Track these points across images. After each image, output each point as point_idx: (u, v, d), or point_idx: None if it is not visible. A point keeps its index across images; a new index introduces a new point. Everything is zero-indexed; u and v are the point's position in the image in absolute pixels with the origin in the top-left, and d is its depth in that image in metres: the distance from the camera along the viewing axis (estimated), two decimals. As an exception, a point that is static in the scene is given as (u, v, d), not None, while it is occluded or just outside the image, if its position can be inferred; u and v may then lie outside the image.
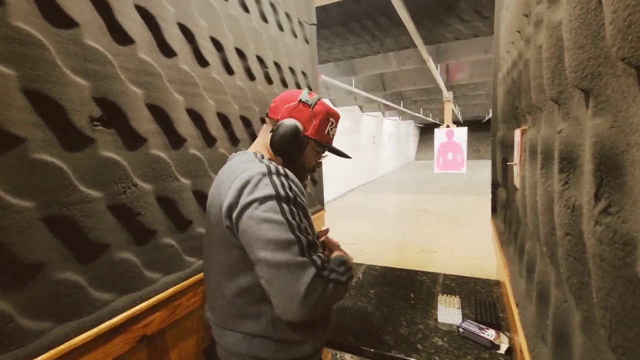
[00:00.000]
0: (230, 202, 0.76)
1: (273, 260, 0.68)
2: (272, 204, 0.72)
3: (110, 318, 0.85)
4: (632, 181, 0.35)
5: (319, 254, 0.74)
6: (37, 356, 0.70)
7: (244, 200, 0.74)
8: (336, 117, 0.98)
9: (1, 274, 0.67)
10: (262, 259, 0.70)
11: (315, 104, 0.93)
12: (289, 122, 0.89)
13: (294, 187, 0.77)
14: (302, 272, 0.68)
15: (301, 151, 0.92)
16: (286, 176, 0.78)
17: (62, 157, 0.77)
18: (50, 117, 0.75)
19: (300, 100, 0.93)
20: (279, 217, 0.71)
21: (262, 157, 0.90)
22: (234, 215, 0.75)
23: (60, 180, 0.76)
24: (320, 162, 1.01)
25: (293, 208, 0.74)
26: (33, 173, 0.71)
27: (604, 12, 0.40)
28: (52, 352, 0.72)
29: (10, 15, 0.67)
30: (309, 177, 1.00)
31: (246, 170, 0.79)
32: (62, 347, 0.74)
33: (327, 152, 1.00)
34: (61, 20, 0.77)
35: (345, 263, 0.84)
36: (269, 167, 0.78)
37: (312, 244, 0.73)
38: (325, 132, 0.95)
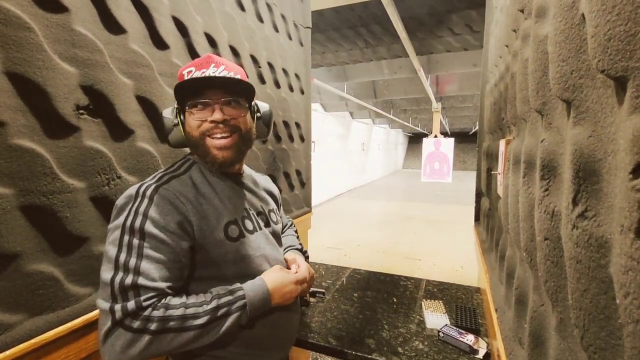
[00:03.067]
0: None
1: (96, 301, 0.65)
2: (117, 234, 0.66)
3: (85, 313, 0.82)
4: (608, 187, 0.37)
5: (140, 299, 0.62)
6: (4, 350, 0.67)
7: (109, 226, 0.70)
8: (192, 64, 0.76)
9: (-28, 262, 0.64)
10: None
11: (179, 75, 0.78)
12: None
13: (152, 213, 0.67)
14: (104, 319, 0.62)
15: (183, 129, 0.78)
16: (150, 199, 0.69)
17: (43, 144, 0.75)
18: (34, 102, 0.73)
19: None
20: (113, 252, 0.65)
21: (183, 163, 0.80)
22: None
23: (40, 167, 0.73)
24: (213, 122, 0.74)
25: (135, 240, 0.65)
26: (12, 159, 0.69)
27: (586, 27, 0.42)
28: (21, 346, 0.70)
29: (-4, -4, 0.65)
30: (222, 151, 0.75)
31: (127, 190, 0.73)
32: (33, 341, 0.71)
33: (213, 96, 0.74)
34: (50, 3, 0.75)
35: (221, 298, 0.69)
36: (139, 189, 0.71)
37: (131, 287, 0.62)
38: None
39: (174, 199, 0.71)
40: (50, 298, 0.77)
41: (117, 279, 0.62)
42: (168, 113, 0.80)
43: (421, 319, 1.23)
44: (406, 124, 13.03)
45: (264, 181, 1.01)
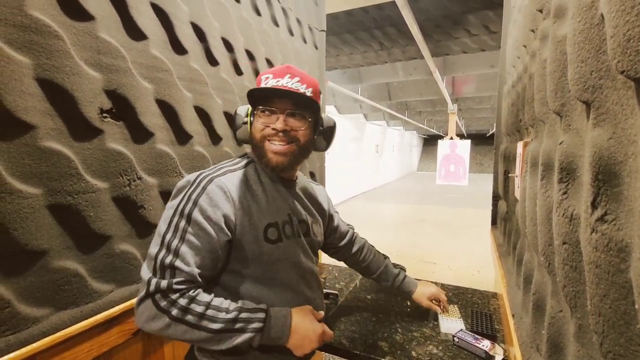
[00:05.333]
0: None
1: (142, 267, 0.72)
2: (169, 213, 0.72)
3: (107, 309, 0.85)
4: (629, 190, 0.36)
5: (172, 280, 0.67)
6: (31, 343, 0.70)
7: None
8: (271, 71, 0.80)
9: (2, 258, 0.68)
10: None
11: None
12: None
13: (202, 202, 0.72)
14: (141, 288, 0.68)
15: (250, 128, 0.83)
16: (203, 188, 0.73)
17: (70, 146, 0.78)
18: (61, 107, 0.76)
19: None
20: (163, 228, 0.71)
21: (242, 160, 0.86)
22: None
23: (67, 168, 0.77)
24: (276, 127, 0.77)
25: (182, 223, 0.71)
26: (41, 160, 0.72)
27: (606, 27, 0.41)
28: (47, 339, 0.73)
29: (26, 5, 0.69)
30: (277, 156, 0.79)
31: (190, 174, 0.79)
32: (58, 334, 0.75)
33: (282, 107, 0.78)
34: (78, 12, 0.79)
35: (242, 312, 0.70)
36: (197, 176, 0.76)
37: (169, 266, 0.68)
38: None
39: (224, 192, 0.75)
40: (75, 294, 0.80)
41: (160, 255, 0.69)
42: (242, 111, 0.85)
43: (436, 323, 1.21)
44: (421, 125, 12.88)
45: (317, 193, 1.03)
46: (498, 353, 1.00)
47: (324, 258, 2.29)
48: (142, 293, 0.67)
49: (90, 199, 0.82)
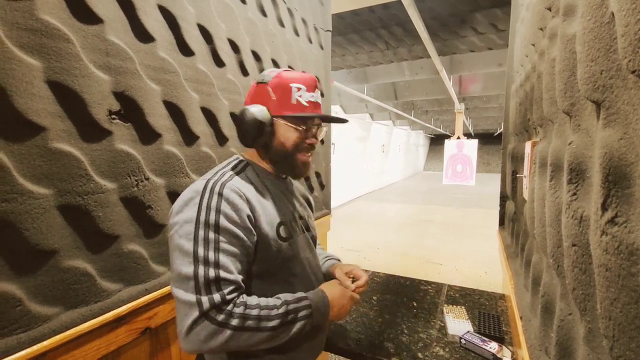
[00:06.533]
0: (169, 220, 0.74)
1: (174, 293, 0.68)
2: (189, 228, 0.68)
3: (115, 308, 0.86)
4: (639, 192, 0.35)
5: (223, 292, 0.66)
6: (42, 341, 0.72)
7: (171, 220, 0.72)
8: (301, 81, 0.81)
9: (14, 258, 0.69)
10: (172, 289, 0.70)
11: (272, 78, 0.80)
12: (243, 110, 0.80)
13: (225, 209, 0.70)
14: (188, 311, 0.64)
15: (271, 135, 0.81)
16: (220, 195, 0.71)
17: (79, 147, 0.79)
18: (71, 109, 0.77)
19: (256, 83, 0.82)
20: (189, 245, 0.67)
21: (238, 163, 0.84)
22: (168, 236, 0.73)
23: (76, 169, 0.78)
24: (315, 137, 0.85)
25: (211, 234, 0.68)
26: (51, 161, 0.74)
27: (616, 25, 0.40)
28: (57, 337, 0.74)
29: (37, 9, 0.70)
30: (305, 167, 0.86)
31: (191, 185, 0.76)
32: (67, 333, 0.76)
33: (318, 122, 0.86)
34: (87, 15, 0.80)
35: (289, 304, 0.72)
36: (206, 185, 0.73)
37: (214, 280, 0.66)
38: (293, 102, 0.80)
39: (239, 196, 0.74)
40: (84, 293, 0.81)
41: (201, 272, 0.65)
42: (258, 114, 0.78)
43: (442, 324, 1.20)
44: (428, 125, 12.79)
45: (302, 188, 1.06)
46: (506, 355, 0.99)
47: (330, 258, 2.29)
48: (195, 315, 0.63)
49: (99, 199, 0.83)
